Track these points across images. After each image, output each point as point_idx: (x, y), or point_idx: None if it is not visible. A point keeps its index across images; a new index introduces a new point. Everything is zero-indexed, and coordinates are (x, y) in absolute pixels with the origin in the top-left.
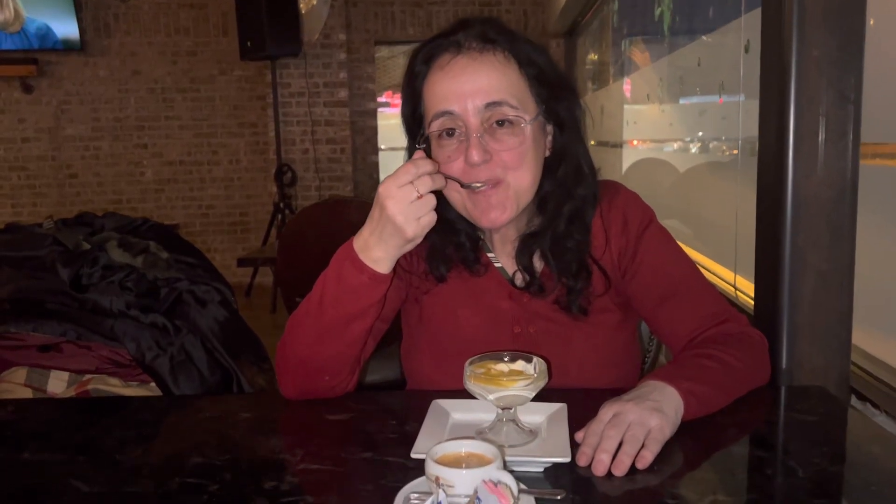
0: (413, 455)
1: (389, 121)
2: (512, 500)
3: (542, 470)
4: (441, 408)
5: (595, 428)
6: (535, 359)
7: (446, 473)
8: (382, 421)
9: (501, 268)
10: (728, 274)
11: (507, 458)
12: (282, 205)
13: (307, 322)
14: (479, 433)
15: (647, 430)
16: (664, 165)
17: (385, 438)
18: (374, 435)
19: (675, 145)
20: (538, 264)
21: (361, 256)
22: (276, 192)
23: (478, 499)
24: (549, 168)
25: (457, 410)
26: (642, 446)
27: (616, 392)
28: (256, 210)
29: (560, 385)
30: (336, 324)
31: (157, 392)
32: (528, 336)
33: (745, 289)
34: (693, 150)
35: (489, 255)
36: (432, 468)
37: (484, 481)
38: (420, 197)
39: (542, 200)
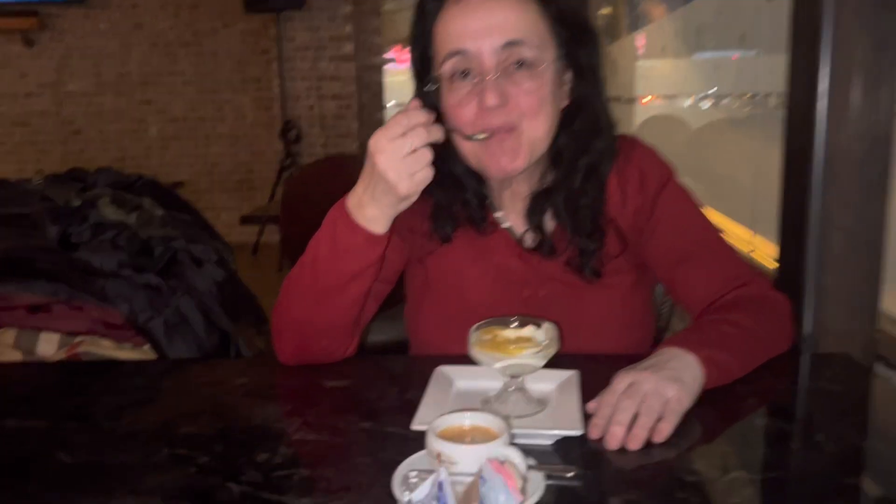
0: (414, 427)
1: (396, 77)
2: (519, 482)
3: (551, 443)
4: (445, 375)
5: (609, 398)
6: (544, 324)
7: (448, 449)
8: (383, 388)
9: (510, 228)
10: (745, 233)
11: (515, 431)
12: (287, 162)
13: (301, 285)
14: (485, 403)
15: (665, 400)
16: (678, 122)
17: (386, 407)
18: (374, 403)
19: (691, 101)
20: (549, 224)
21: (355, 215)
22: (281, 149)
23: (482, 478)
24: (565, 119)
25: (462, 377)
26: (659, 418)
27: (631, 358)
28: (262, 167)
29: (571, 351)
30: (331, 287)
31: (152, 355)
32: (538, 300)
33: (762, 248)
34: (710, 106)
35: (497, 214)
36: (434, 443)
37: (489, 460)
38: (414, 151)
39: (557, 154)
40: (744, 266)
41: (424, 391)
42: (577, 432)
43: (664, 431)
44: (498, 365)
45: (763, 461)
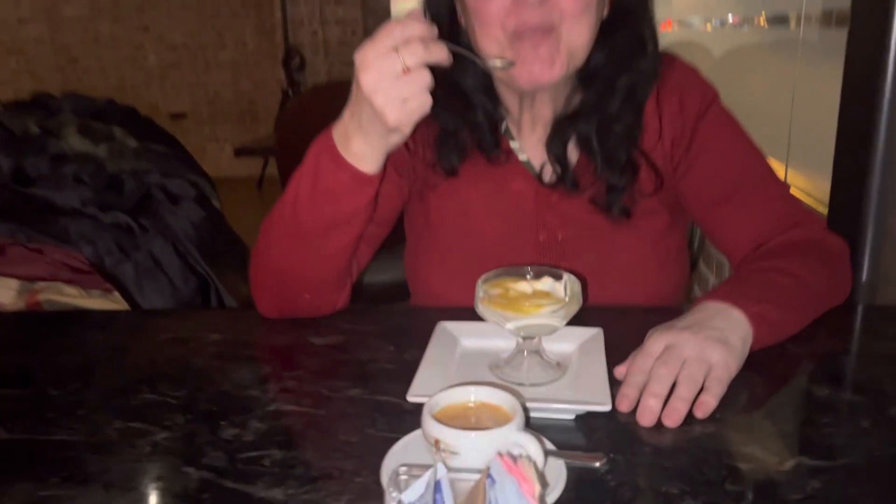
0: (409, 398)
1: (405, 4)
2: (537, 487)
3: (572, 417)
4: (448, 332)
5: (642, 363)
6: (565, 276)
7: (449, 437)
8: (378, 347)
9: (527, 161)
10: (778, 166)
11: (529, 404)
12: (290, 92)
13: (280, 229)
14: (494, 367)
15: (708, 367)
16: (701, 49)
17: (379, 371)
18: (366, 365)
19: (715, 23)
20: (573, 155)
21: (340, 149)
22: (284, 77)
23: (490, 479)
24: (604, 32)
25: (467, 335)
26: (701, 389)
27: (663, 312)
28: (265, 97)
29: (595, 303)
30: (313, 232)
31: (124, 304)
32: (557, 244)
33: (797, 184)
34: (733, 31)
35: (513, 144)
36: (431, 427)
37: (499, 454)
38: (408, 71)
39: (591, 73)
40: (795, 204)
41: (424, 351)
42: (603, 407)
43: (708, 405)
44: (510, 325)
45: (829, 444)
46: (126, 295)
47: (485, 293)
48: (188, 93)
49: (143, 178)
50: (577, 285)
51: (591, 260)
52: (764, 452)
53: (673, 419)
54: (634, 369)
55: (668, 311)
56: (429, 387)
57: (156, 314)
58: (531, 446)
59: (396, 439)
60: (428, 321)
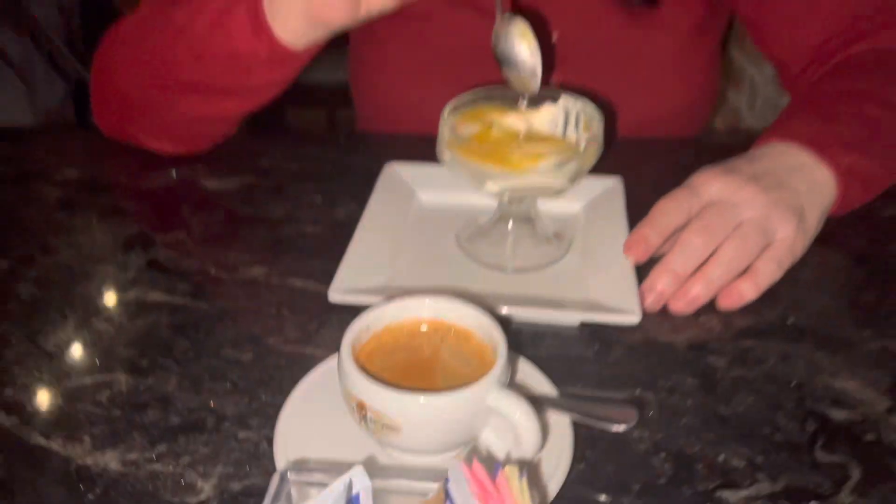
0: (331, 297)
1: None
2: (522, 496)
3: (577, 324)
4: (399, 180)
5: (670, 215)
6: (578, 103)
7: (380, 400)
8: (299, 196)
9: None
10: None
11: (515, 309)
12: None
13: (142, 55)
14: (464, 241)
15: (767, 242)
16: None
17: (297, 237)
18: (278, 227)
19: None
20: None
21: (267, 9)
22: None
23: (447, 495)
24: None
25: (426, 185)
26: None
27: (709, 151)
28: None
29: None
30: (192, 87)
31: None
32: (550, 46)
33: None
34: None
35: None
36: (352, 380)
37: (465, 463)
38: None
39: None
40: None
41: (363, 210)
42: (628, 318)
43: (742, 295)
44: (491, 185)
45: None
46: None
47: (452, 133)
48: None
49: None
50: (597, 120)
51: (598, 67)
52: (869, 390)
53: (682, 305)
54: (659, 219)
55: (711, 148)
56: (362, 277)
57: None
58: (524, 426)
59: (310, 359)
60: (373, 158)
